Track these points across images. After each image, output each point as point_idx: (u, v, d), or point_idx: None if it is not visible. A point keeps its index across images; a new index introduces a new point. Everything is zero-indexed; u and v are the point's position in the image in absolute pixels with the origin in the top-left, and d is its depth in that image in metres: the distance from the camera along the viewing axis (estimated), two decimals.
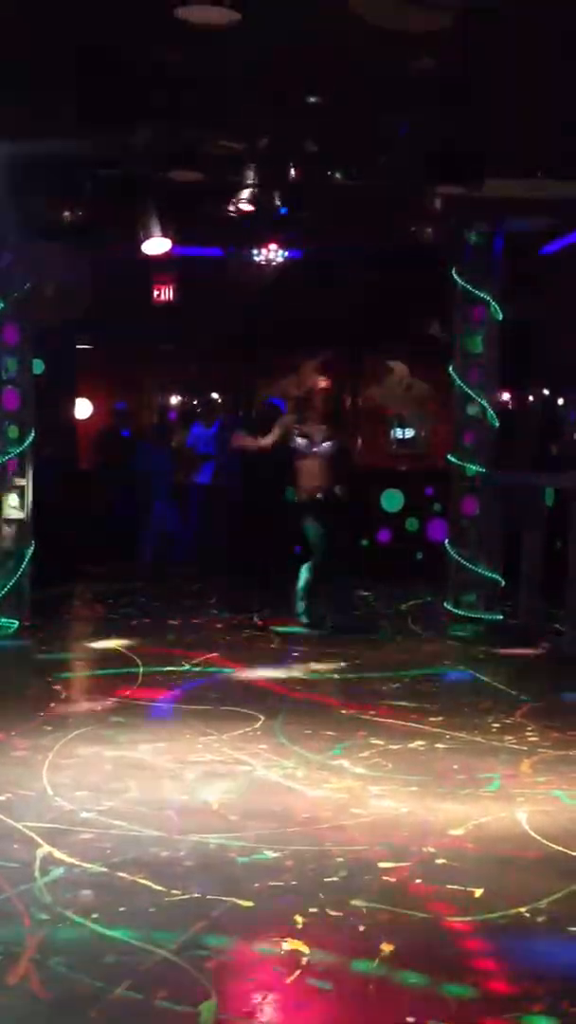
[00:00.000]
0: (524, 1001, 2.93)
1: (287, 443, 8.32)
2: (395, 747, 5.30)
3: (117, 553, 10.96)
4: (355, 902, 3.51)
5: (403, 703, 6.18)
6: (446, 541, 8.94)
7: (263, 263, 9.67)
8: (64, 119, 7.00)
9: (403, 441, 13.71)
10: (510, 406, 12.32)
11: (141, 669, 6.91)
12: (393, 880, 3.71)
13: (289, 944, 3.21)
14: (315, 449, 8.26)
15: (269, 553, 9.54)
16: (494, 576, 8.72)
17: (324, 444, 8.27)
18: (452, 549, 8.83)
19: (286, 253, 9.65)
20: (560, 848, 4.01)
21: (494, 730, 5.64)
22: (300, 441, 8.30)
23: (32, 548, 8.50)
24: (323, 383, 8.44)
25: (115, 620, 8.70)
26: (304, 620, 8.23)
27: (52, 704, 6.06)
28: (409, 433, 13.66)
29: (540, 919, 3.43)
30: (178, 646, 7.64)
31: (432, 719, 5.82)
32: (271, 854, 3.90)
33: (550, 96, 6.78)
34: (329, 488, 8.28)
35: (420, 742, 5.40)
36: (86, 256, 9.44)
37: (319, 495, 8.24)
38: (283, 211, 8.10)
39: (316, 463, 8.25)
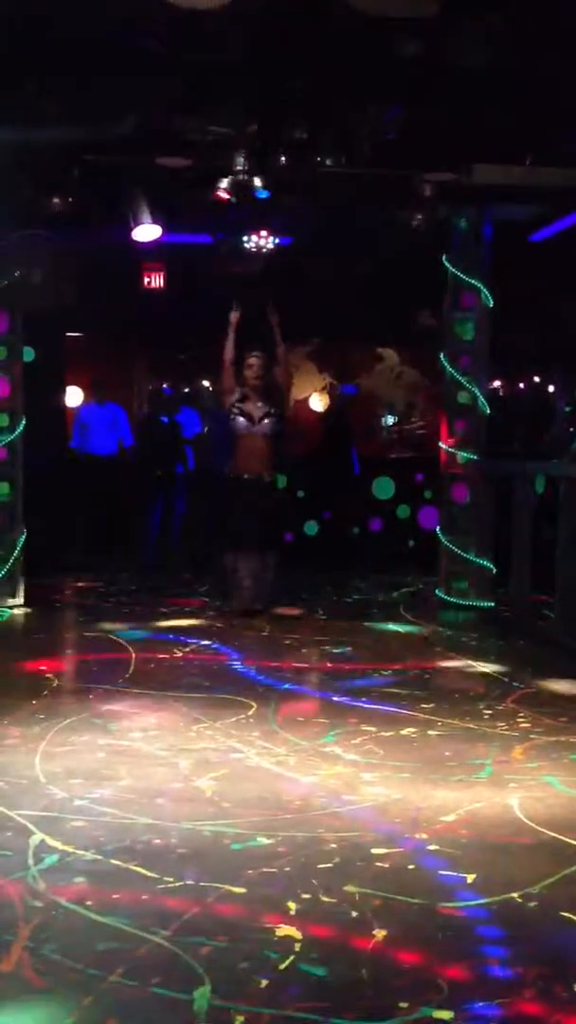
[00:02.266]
0: (517, 985, 2.94)
1: (229, 419, 8.23)
2: (387, 734, 5.32)
3: (110, 540, 10.95)
4: (348, 888, 3.52)
5: (395, 690, 6.19)
6: (437, 528, 8.96)
7: (253, 249, 9.64)
8: (51, 107, 6.99)
9: (393, 428, 13.74)
10: (501, 393, 12.34)
11: (133, 656, 6.91)
12: (386, 866, 3.72)
13: (282, 930, 3.22)
14: (255, 428, 8.15)
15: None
16: (485, 563, 8.75)
17: (264, 422, 8.16)
18: (443, 536, 8.85)
19: (277, 240, 9.62)
20: (552, 834, 4.03)
21: (486, 717, 5.66)
22: (240, 420, 8.16)
23: (24, 535, 8.50)
24: (251, 359, 8.20)
25: (108, 608, 8.70)
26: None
27: (44, 692, 6.06)
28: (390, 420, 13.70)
29: (532, 904, 3.44)
30: (171, 633, 7.65)
31: (424, 706, 5.83)
32: (264, 840, 3.91)
33: (539, 82, 6.77)
34: (269, 469, 8.25)
35: (412, 729, 5.42)
36: (74, 243, 9.42)
37: (258, 476, 8.15)
38: (261, 195, 8.06)
39: (256, 442, 8.15)
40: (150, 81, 6.77)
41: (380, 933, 3.20)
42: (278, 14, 5.99)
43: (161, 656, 6.99)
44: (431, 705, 5.84)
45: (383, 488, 11.36)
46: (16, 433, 8.44)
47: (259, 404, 8.17)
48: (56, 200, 8.09)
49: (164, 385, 12.69)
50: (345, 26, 6.02)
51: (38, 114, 7.01)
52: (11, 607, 8.34)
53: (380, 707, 5.81)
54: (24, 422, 8.48)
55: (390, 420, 13.72)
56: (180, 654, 7.07)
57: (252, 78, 6.85)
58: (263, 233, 9.55)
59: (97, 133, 7.47)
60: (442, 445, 8.90)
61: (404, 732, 5.36)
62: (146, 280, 10.81)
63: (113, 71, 6.60)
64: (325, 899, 3.44)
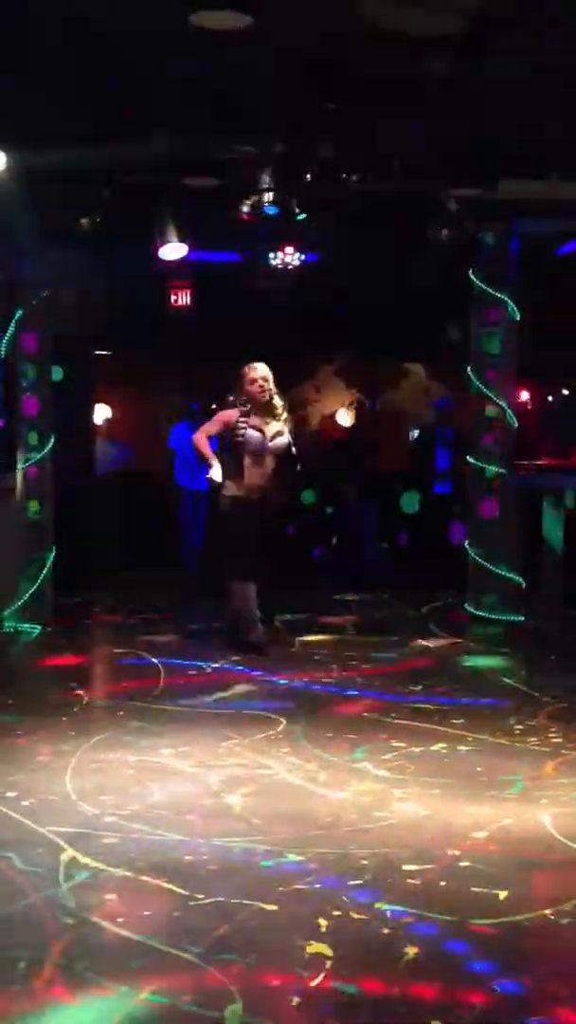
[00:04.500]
0: (550, 1002, 2.92)
1: (235, 436, 7.36)
2: (417, 749, 5.30)
3: (139, 559, 10.99)
4: (379, 905, 3.51)
5: (425, 705, 6.17)
6: (465, 542, 8.93)
7: (280, 267, 9.69)
8: (82, 129, 7.07)
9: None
10: (529, 407, 12.30)
11: (162, 674, 6.92)
12: (417, 883, 3.70)
13: (313, 947, 3.21)
14: (269, 445, 7.39)
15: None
16: (514, 577, 8.71)
17: (278, 440, 7.42)
18: (471, 550, 8.82)
19: (303, 257, 9.66)
20: None
21: (517, 732, 5.63)
22: (253, 435, 7.35)
23: (54, 553, 8.55)
24: (253, 373, 7.42)
25: (136, 625, 8.72)
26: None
27: (75, 709, 6.08)
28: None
29: (565, 921, 3.42)
30: (199, 650, 7.65)
31: (454, 721, 5.81)
32: (294, 857, 3.91)
33: (564, 97, 6.77)
34: (276, 488, 7.53)
35: (442, 744, 5.39)
36: (103, 263, 9.50)
37: (263, 496, 7.43)
38: (270, 211, 8.08)
39: (266, 460, 7.41)
40: (180, 102, 6.84)
41: (412, 950, 3.19)
42: (303, 32, 6.03)
43: (191, 672, 7.00)
44: (461, 720, 5.82)
45: (410, 502, 11.35)
46: (45, 451, 8.50)
47: (267, 420, 7.41)
48: (84, 220, 8.17)
49: (192, 403, 12.73)
50: (370, 43, 6.06)
51: (68, 136, 7.09)
52: (41, 624, 8.37)
53: (410, 723, 5.79)
54: (53, 440, 8.54)
55: (416, 434, 13.69)
56: (209, 670, 7.08)
57: (279, 97, 6.89)
58: (289, 250, 9.60)
59: (127, 154, 7.55)
60: (469, 459, 8.88)
61: (434, 748, 5.34)
62: (173, 299, 10.89)
63: (143, 93, 6.67)
64: (356, 916, 3.43)
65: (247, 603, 7.43)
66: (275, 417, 7.48)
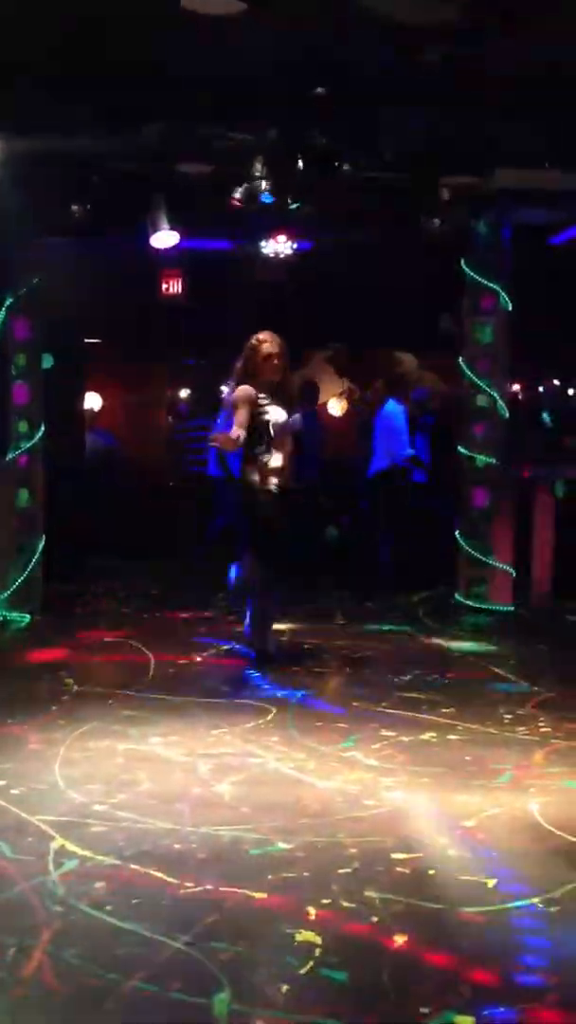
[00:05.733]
0: (539, 991, 2.93)
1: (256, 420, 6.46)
2: (407, 739, 5.30)
3: (128, 547, 10.97)
4: (368, 893, 3.51)
5: (414, 695, 6.18)
6: (456, 532, 8.94)
7: (271, 256, 9.66)
8: (75, 117, 7.04)
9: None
10: (520, 397, 12.30)
11: (152, 663, 6.92)
12: (406, 871, 3.71)
13: (302, 935, 3.21)
14: (288, 427, 6.61)
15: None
16: (505, 567, 8.72)
17: (296, 417, 6.72)
18: (463, 541, 8.83)
19: (295, 245, 9.63)
20: (573, 838, 4.00)
21: (506, 721, 5.64)
22: (277, 414, 6.47)
23: (43, 542, 8.53)
24: (266, 347, 6.52)
25: (127, 614, 8.71)
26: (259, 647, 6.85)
27: (64, 697, 6.07)
28: None
29: (553, 909, 3.43)
30: (189, 639, 7.64)
31: (444, 710, 5.81)
32: (283, 846, 3.91)
33: (559, 86, 6.76)
34: (294, 475, 6.73)
35: (432, 734, 5.40)
36: (94, 250, 9.47)
37: (286, 486, 6.59)
38: (266, 199, 8.02)
39: (286, 443, 6.60)
40: (173, 89, 6.81)
41: (401, 938, 3.20)
42: (297, 20, 6.01)
43: (181, 661, 6.99)
44: (451, 710, 5.83)
45: None
46: (35, 439, 8.47)
47: (278, 399, 6.58)
48: (75, 208, 8.13)
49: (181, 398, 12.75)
50: (364, 30, 6.04)
51: (60, 123, 7.07)
52: (31, 613, 8.36)
53: (400, 712, 5.80)
54: (44, 428, 8.51)
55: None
56: (199, 659, 7.08)
57: (273, 85, 6.87)
58: (281, 238, 9.57)
59: (119, 141, 7.52)
60: (461, 449, 8.88)
61: (424, 737, 5.35)
62: (164, 286, 10.85)
63: (135, 79, 6.64)
64: (345, 904, 3.43)
65: (262, 604, 6.77)
66: (288, 401, 6.60)
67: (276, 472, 6.51)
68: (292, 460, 6.69)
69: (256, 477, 6.51)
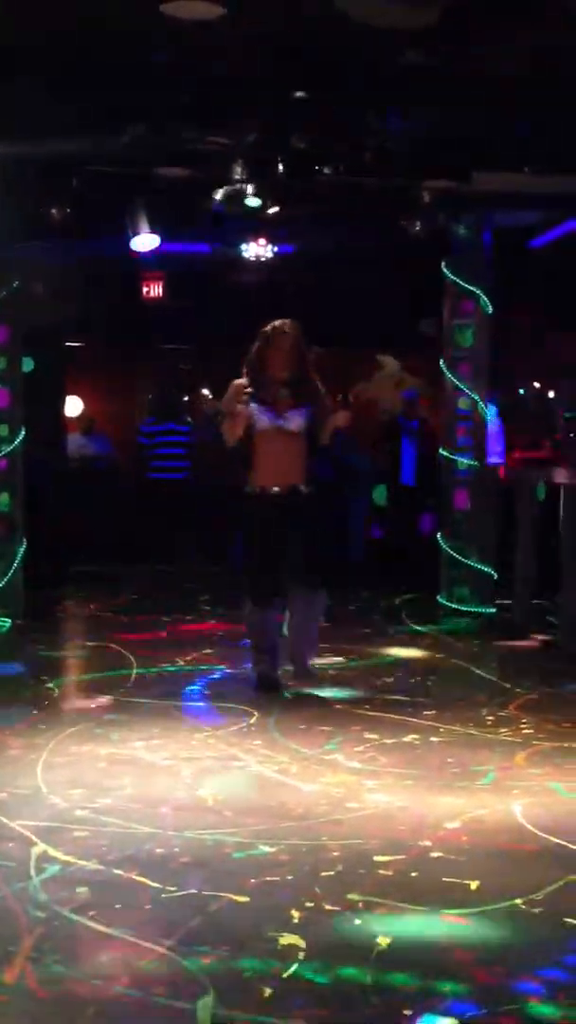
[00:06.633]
0: (521, 992, 2.93)
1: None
2: (390, 741, 5.31)
3: (110, 552, 10.95)
4: (351, 896, 3.51)
5: (397, 697, 6.18)
6: (438, 535, 8.95)
7: (252, 259, 9.66)
8: (55, 120, 7.03)
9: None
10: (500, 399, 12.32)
11: (135, 667, 6.90)
12: (389, 873, 3.71)
13: (285, 938, 3.21)
14: (281, 423, 6.06)
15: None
16: (487, 570, 8.74)
17: (296, 416, 6.08)
18: (444, 543, 8.84)
19: (276, 249, 9.64)
20: (556, 840, 4.01)
21: (488, 723, 5.65)
22: (260, 414, 6.01)
23: (24, 547, 8.50)
24: (277, 335, 6.07)
25: (109, 619, 8.69)
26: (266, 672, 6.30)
27: (46, 702, 6.05)
28: None
29: (536, 910, 3.43)
30: (171, 644, 7.63)
31: (426, 712, 5.82)
32: (266, 849, 3.90)
33: (538, 90, 6.79)
34: (306, 478, 6.13)
35: (414, 736, 5.41)
36: (74, 254, 9.45)
37: (290, 488, 6.09)
38: (252, 204, 8.02)
39: (284, 443, 6.08)
40: (153, 93, 6.81)
41: (384, 941, 3.19)
42: (275, 24, 6.01)
43: (163, 664, 6.98)
44: (433, 712, 5.83)
45: (381, 494, 11.36)
46: (16, 443, 8.44)
47: (284, 391, 6.07)
48: (55, 211, 8.11)
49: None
50: (343, 35, 6.04)
51: (41, 126, 7.05)
52: (12, 618, 8.32)
53: (382, 714, 5.80)
54: (24, 432, 8.48)
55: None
56: (182, 662, 7.06)
57: (252, 88, 6.87)
58: (262, 242, 9.57)
59: (99, 145, 7.51)
60: (442, 451, 8.90)
61: (407, 739, 5.35)
62: (145, 290, 10.85)
63: (116, 83, 6.63)
64: (328, 907, 3.43)
65: (260, 627, 6.25)
66: (309, 398, 6.07)
67: (268, 477, 6.08)
68: (302, 461, 6.13)
69: (247, 481, 6.16)
